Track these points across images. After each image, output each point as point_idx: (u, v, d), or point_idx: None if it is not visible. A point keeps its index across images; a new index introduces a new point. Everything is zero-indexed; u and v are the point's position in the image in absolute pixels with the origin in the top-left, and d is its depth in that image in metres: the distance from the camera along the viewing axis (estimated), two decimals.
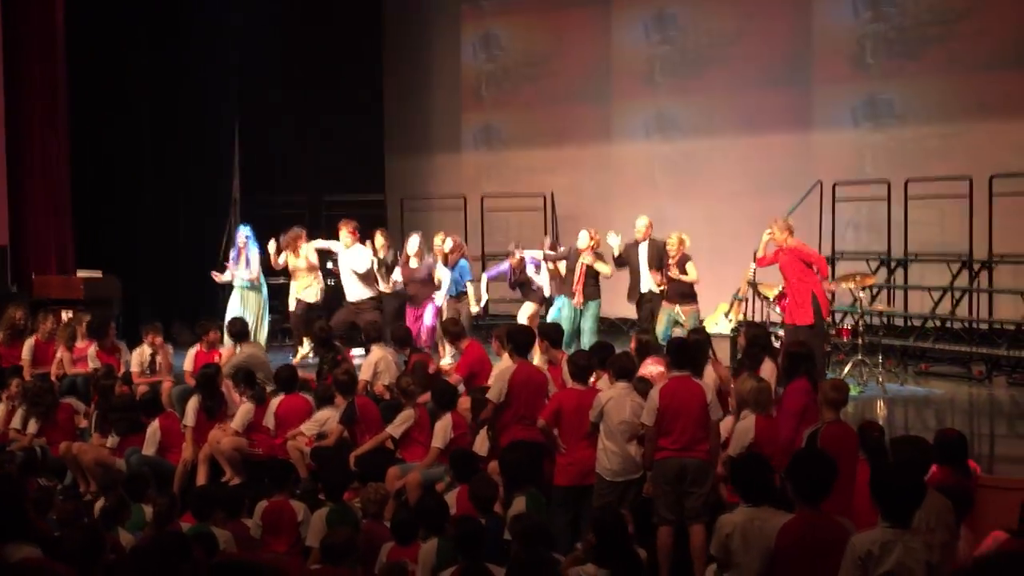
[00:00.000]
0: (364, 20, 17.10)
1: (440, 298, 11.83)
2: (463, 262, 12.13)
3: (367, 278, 11.96)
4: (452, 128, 17.29)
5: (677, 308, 11.10)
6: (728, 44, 14.88)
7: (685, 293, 11.16)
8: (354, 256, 11.98)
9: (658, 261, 11.32)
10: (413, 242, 12.01)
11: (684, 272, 11.11)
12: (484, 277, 12.73)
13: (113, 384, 9.69)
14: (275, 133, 16.01)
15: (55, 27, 13.44)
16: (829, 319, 11.54)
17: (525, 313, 12.03)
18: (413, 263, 11.94)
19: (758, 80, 14.57)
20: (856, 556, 4.64)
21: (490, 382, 8.17)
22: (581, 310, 11.46)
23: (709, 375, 7.69)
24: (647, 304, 11.47)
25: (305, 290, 12.33)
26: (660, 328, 11.01)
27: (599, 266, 11.50)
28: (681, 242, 11.22)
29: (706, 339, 8.63)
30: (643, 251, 11.53)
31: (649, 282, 11.46)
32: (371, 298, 11.96)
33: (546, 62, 16.48)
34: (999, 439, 9.58)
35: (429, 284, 11.87)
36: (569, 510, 7.09)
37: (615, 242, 11.64)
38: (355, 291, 12.00)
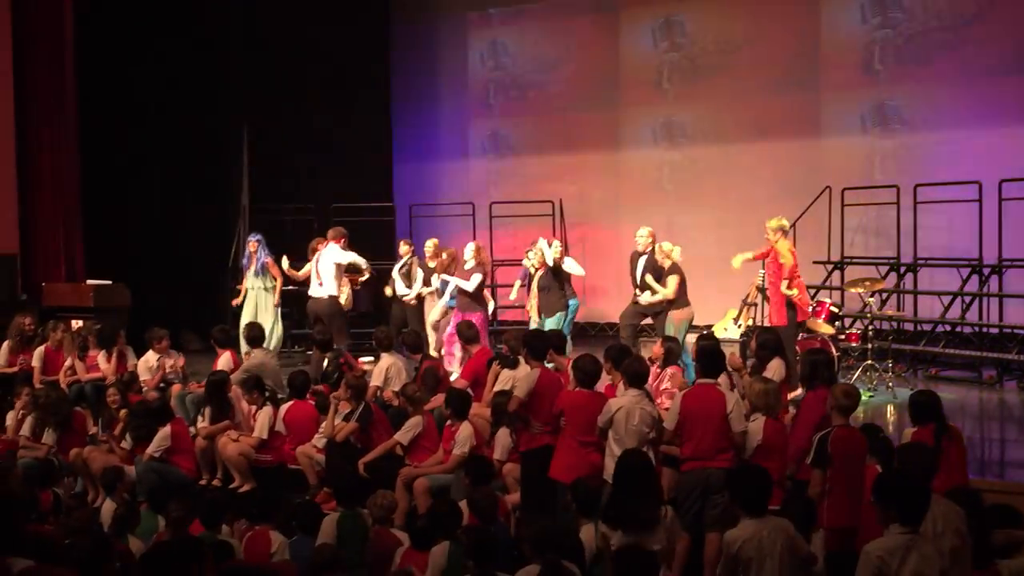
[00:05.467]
0: (372, 28, 17.15)
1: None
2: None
3: (339, 275, 11.80)
4: (460, 135, 17.33)
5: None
6: (736, 50, 14.90)
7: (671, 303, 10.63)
8: (334, 253, 11.77)
9: (654, 275, 10.83)
10: (469, 249, 11.59)
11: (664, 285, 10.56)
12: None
13: (129, 390, 9.73)
14: (284, 141, 16.02)
15: (64, 36, 13.48)
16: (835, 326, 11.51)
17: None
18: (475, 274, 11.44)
19: (766, 86, 14.59)
20: (872, 563, 4.71)
21: (511, 385, 8.12)
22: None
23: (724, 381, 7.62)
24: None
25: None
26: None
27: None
28: (667, 254, 10.69)
29: (718, 345, 8.53)
30: (641, 263, 11.10)
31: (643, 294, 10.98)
32: (332, 297, 11.81)
33: (554, 69, 16.50)
34: (1009, 444, 9.54)
35: (479, 299, 11.36)
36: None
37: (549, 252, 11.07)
38: (325, 287, 11.71)
